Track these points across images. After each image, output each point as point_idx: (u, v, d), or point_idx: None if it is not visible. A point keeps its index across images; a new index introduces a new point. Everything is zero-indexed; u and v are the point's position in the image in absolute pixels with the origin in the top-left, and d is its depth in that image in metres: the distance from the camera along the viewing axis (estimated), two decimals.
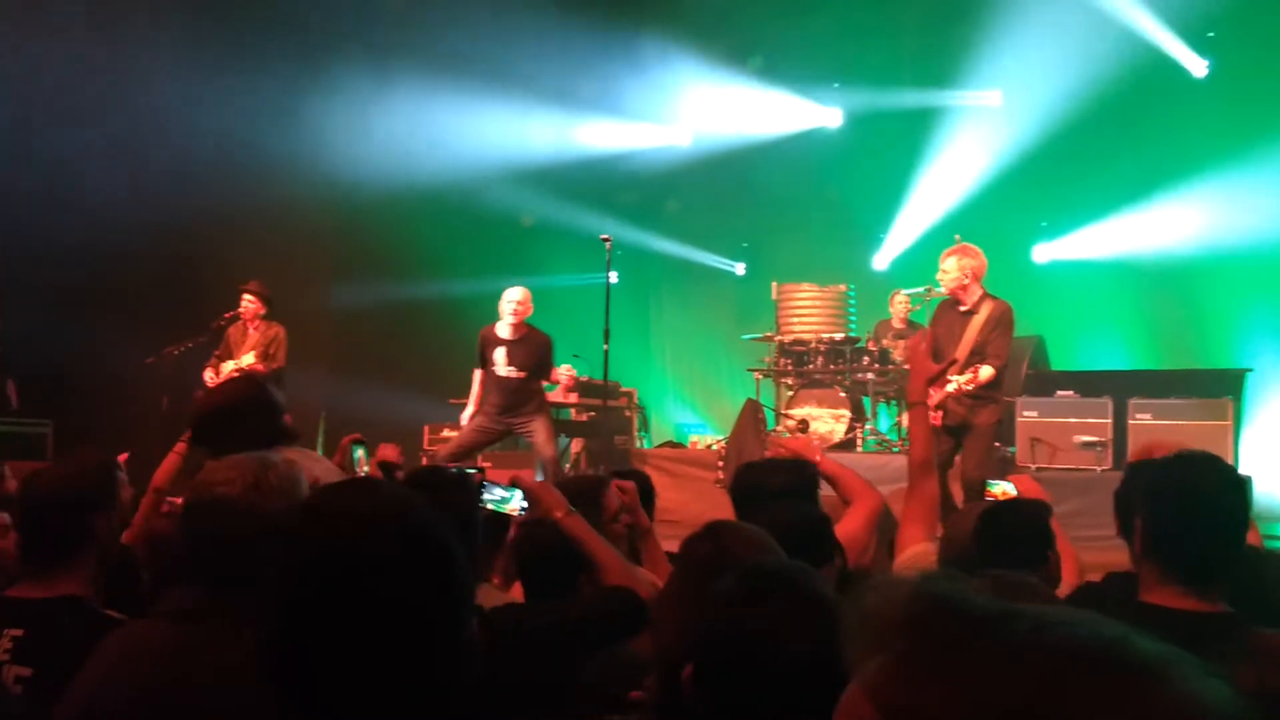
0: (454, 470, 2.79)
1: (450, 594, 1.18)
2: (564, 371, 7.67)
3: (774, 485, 3.15)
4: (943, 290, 6.77)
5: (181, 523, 2.05)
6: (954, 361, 6.16)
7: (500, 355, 7.47)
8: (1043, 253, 11.70)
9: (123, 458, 2.98)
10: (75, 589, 2.31)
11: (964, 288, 6.52)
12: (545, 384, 7.76)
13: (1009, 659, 0.63)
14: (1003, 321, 6.45)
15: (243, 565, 1.90)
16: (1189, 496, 2.17)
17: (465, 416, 7.84)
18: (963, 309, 6.56)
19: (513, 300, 7.47)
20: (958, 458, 6.61)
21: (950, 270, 6.57)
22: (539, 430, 7.57)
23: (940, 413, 6.36)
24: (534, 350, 7.50)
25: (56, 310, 8.77)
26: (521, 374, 7.45)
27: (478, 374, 7.72)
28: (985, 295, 6.55)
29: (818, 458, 3.54)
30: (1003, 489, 4.52)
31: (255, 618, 1.20)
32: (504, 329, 7.48)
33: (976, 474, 6.12)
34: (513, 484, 2.84)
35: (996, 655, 0.63)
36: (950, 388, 6.27)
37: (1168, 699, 0.61)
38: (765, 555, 1.87)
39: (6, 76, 8.62)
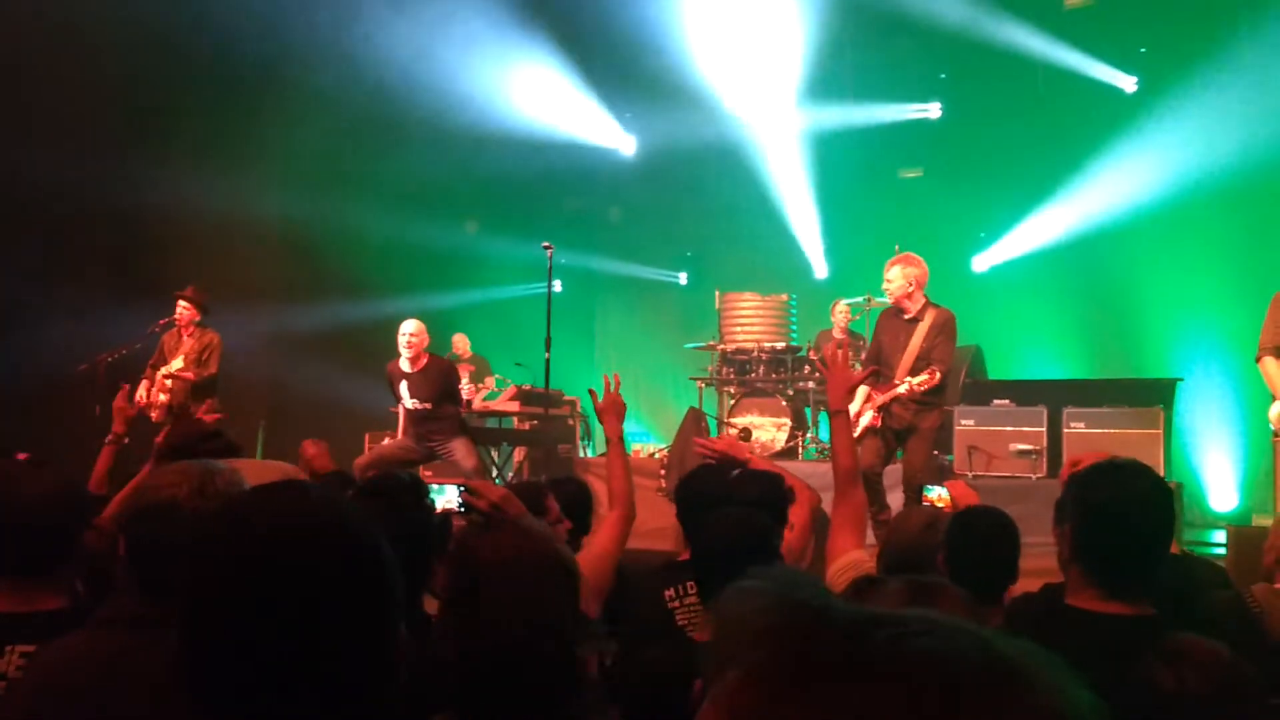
0: (407, 475, 2.76)
1: (377, 603, 1.13)
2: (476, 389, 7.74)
3: (743, 495, 3.18)
4: (887, 299, 6.90)
5: (123, 528, 2.01)
6: (875, 370, 6.35)
7: (404, 389, 7.57)
8: (981, 263, 11.90)
9: (21, 457, 2.95)
10: (60, 602, 2.28)
11: (908, 295, 6.67)
12: (455, 409, 7.79)
13: (868, 670, 0.60)
14: (946, 328, 6.61)
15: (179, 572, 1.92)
16: (1113, 502, 2.21)
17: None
18: (907, 317, 6.71)
19: (406, 334, 7.53)
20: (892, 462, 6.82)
21: (895, 279, 6.72)
22: (456, 448, 7.69)
23: (880, 416, 6.59)
24: (435, 379, 7.58)
25: None
26: (427, 404, 7.52)
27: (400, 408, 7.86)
28: (928, 303, 6.70)
29: (747, 455, 3.55)
30: (939, 494, 4.59)
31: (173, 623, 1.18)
32: (404, 363, 7.56)
33: (920, 477, 6.25)
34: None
35: (856, 666, 0.60)
36: (901, 389, 6.44)
37: (1030, 706, 0.59)
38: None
39: None
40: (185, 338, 8.12)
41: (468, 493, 2.73)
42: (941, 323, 6.61)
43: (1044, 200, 11.23)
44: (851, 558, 2.97)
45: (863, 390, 6.62)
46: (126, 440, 4.42)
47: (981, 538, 2.95)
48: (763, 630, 0.64)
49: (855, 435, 6.63)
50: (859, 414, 6.64)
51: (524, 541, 1.78)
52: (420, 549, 2.41)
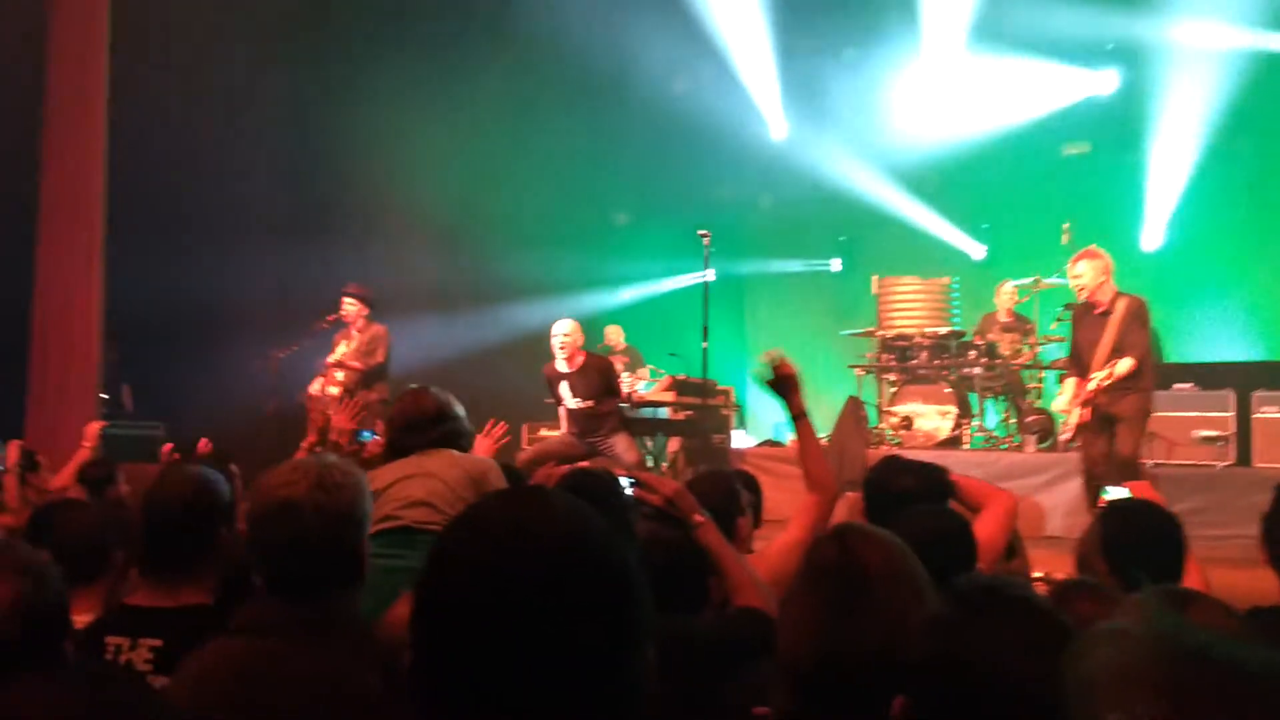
0: (606, 472, 2.68)
1: (627, 622, 1.07)
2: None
3: (904, 488, 3.04)
4: (1078, 295, 6.69)
5: (249, 532, 2.01)
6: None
7: (565, 390, 7.56)
8: (1151, 241, 11.27)
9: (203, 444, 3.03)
10: (202, 598, 2.32)
11: (1100, 287, 6.62)
12: (617, 404, 7.78)
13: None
14: (1139, 316, 6.57)
15: (313, 569, 1.91)
16: None
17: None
18: (1099, 311, 6.64)
19: (560, 334, 7.52)
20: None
21: (1085, 274, 6.64)
22: (617, 443, 7.65)
23: (1090, 410, 6.58)
24: (595, 377, 7.55)
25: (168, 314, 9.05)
26: (589, 402, 7.51)
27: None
28: (1118, 293, 6.64)
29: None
30: (1118, 494, 4.37)
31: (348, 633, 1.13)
32: (561, 364, 7.55)
33: (1128, 454, 6.46)
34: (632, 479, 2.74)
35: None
36: (1091, 385, 6.48)
37: None
38: (899, 562, 1.76)
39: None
40: (355, 333, 8.35)
41: (639, 486, 2.64)
42: (1134, 310, 6.54)
43: (1216, 171, 10.58)
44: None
45: (1070, 386, 6.74)
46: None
47: (1148, 538, 2.77)
48: (1152, 683, 0.62)
49: (1069, 436, 6.84)
50: (1068, 410, 6.73)
51: (896, 547, 1.79)
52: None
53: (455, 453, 3.55)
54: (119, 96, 8.63)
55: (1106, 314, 6.59)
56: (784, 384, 3.12)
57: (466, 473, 3.42)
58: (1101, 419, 6.59)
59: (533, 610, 1.02)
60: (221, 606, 2.31)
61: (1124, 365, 6.38)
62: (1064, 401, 6.80)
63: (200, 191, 9.77)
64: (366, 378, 8.16)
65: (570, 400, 7.57)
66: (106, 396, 8.91)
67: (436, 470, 3.37)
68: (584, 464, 2.82)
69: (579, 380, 7.55)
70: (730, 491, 3.08)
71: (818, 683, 1.62)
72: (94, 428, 5.48)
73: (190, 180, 9.58)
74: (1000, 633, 1.36)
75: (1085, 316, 6.77)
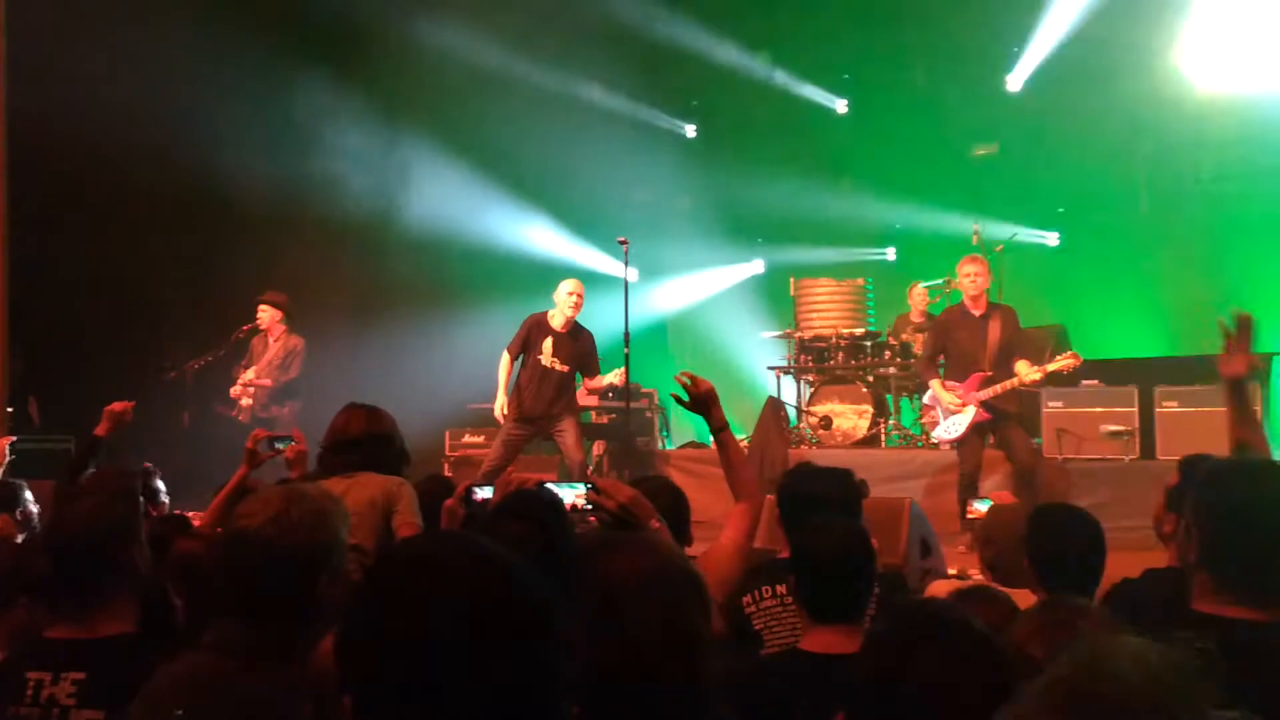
0: (546, 491, 2.66)
1: (551, 665, 1.12)
2: (610, 378, 7.60)
3: (815, 493, 3.11)
4: (970, 294, 6.92)
5: (219, 555, 2.07)
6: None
7: (548, 346, 7.45)
8: (1060, 239, 11.59)
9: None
10: (123, 627, 2.29)
11: (984, 292, 7.03)
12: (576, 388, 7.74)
13: None
14: (1017, 321, 7.10)
15: (274, 597, 1.96)
16: (1250, 504, 2.12)
17: (498, 407, 7.67)
18: (977, 314, 6.98)
19: (575, 293, 7.47)
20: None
21: (981, 276, 6.99)
22: (569, 431, 7.52)
23: (989, 414, 6.91)
24: (585, 347, 7.52)
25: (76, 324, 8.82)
26: (565, 368, 7.45)
27: (507, 359, 7.65)
28: (990, 301, 7.11)
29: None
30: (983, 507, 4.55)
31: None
32: (556, 319, 7.47)
33: (1033, 450, 7.01)
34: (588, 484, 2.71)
35: None
36: (1033, 376, 6.87)
37: None
38: (649, 576, 1.69)
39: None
40: (272, 342, 8.23)
41: (594, 491, 2.64)
42: (1014, 317, 7.10)
43: (1124, 170, 10.92)
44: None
45: (937, 388, 7.13)
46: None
47: (1077, 543, 2.88)
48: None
49: (960, 435, 7.06)
50: (959, 409, 7.03)
51: (657, 557, 1.73)
52: (565, 572, 2.35)
53: (375, 476, 3.56)
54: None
55: (986, 318, 6.92)
56: (702, 401, 3.16)
57: (372, 500, 3.46)
58: (994, 419, 6.91)
59: (448, 650, 1.07)
60: (146, 631, 2.29)
61: (1031, 368, 6.69)
62: (952, 399, 7.01)
63: (103, 185, 9.45)
64: (279, 393, 8.04)
65: (547, 358, 7.45)
66: (11, 410, 8.66)
67: (350, 496, 3.37)
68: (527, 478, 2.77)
69: (568, 343, 7.47)
70: (678, 496, 3.14)
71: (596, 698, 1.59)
72: (1, 444, 5.33)
73: (94, 174, 9.30)
74: (934, 652, 1.42)
75: (962, 319, 7.07)
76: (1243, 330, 3.15)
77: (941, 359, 7.47)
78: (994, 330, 6.89)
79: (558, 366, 7.43)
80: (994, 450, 7.37)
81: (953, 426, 7.10)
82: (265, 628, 1.94)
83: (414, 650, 1.07)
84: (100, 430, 4.40)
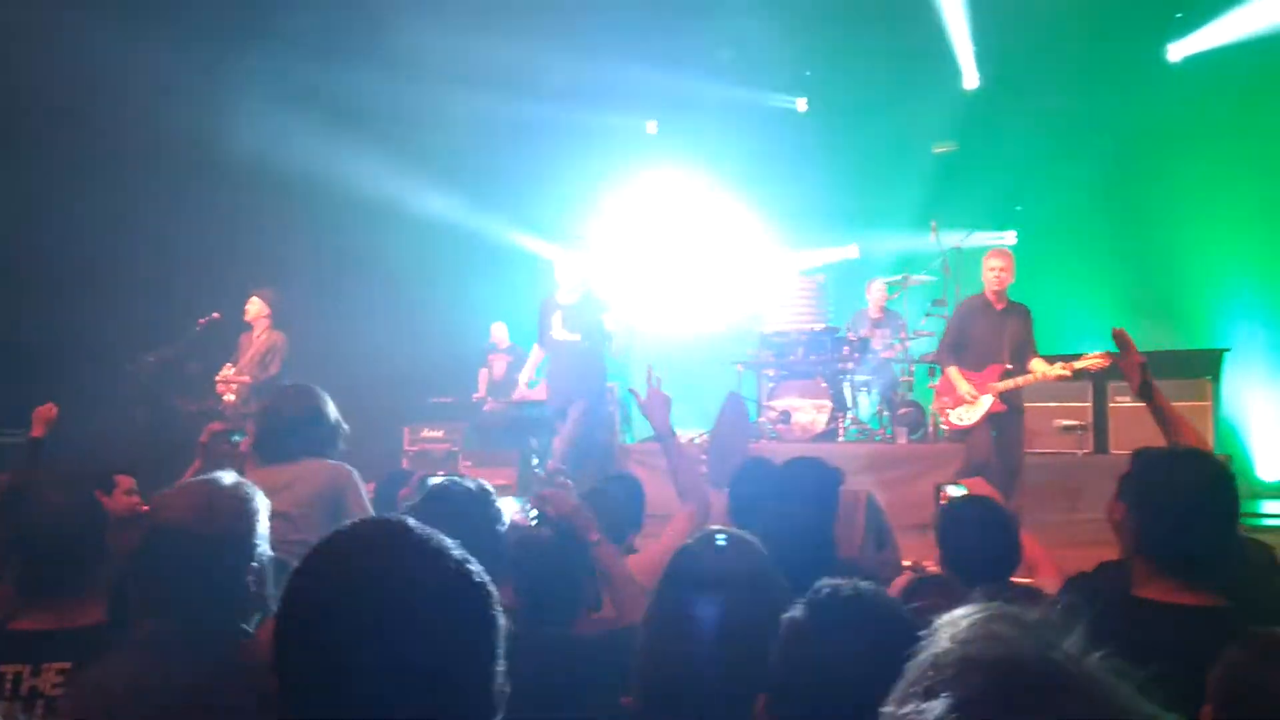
0: (473, 483, 2.69)
1: (486, 649, 1.13)
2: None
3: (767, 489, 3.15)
4: (993, 288, 6.86)
5: (139, 552, 2.02)
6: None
7: (557, 321, 7.62)
8: (1016, 235, 11.71)
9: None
10: (98, 616, 2.27)
11: (1007, 286, 6.93)
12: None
13: None
14: (1031, 320, 7.00)
15: (201, 591, 1.94)
16: (1179, 491, 2.17)
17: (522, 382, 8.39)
18: (999, 308, 6.91)
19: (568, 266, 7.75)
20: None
21: (1006, 271, 6.92)
22: (574, 411, 7.66)
23: (1004, 405, 6.87)
24: (592, 307, 7.68)
25: (33, 315, 8.69)
26: (576, 335, 7.59)
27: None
28: (1009, 299, 6.97)
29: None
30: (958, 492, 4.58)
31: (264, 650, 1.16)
32: (562, 294, 7.66)
33: (1022, 448, 6.96)
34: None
35: None
36: (1060, 373, 6.71)
37: None
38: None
39: None
40: (256, 337, 8.14)
41: (540, 500, 2.69)
42: (1029, 314, 6.98)
43: (1080, 168, 11.07)
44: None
45: (955, 375, 7.01)
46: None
47: (974, 531, 2.92)
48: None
49: (976, 421, 6.98)
50: (974, 399, 6.95)
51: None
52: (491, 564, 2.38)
53: (318, 465, 3.50)
54: None
55: (1006, 313, 6.87)
56: (657, 403, 3.24)
57: (320, 493, 3.40)
58: (1007, 411, 6.88)
59: (385, 634, 1.07)
60: (114, 622, 2.28)
61: (1055, 365, 6.67)
62: (969, 388, 6.95)
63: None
64: (259, 390, 7.96)
65: (560, 332, 7.55)
66: None
67: (296, 489, 3.35)
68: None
69: (575, 312, 7.57)
70: (640, 497, 3.17)
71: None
72: None
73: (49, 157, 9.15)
74: (848, 633, 1.45)
75: (984, 311, 6.98)
76: (1122, 346, 3.32)
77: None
78: (1013, 326, 6.89)
79: (568, 336, 7.66)
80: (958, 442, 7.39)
81: (965, 415, 7.06)
82: (192, 621, 1.91)
83: (342, 633, 1.07)
84: (35, 432, 4.39)
